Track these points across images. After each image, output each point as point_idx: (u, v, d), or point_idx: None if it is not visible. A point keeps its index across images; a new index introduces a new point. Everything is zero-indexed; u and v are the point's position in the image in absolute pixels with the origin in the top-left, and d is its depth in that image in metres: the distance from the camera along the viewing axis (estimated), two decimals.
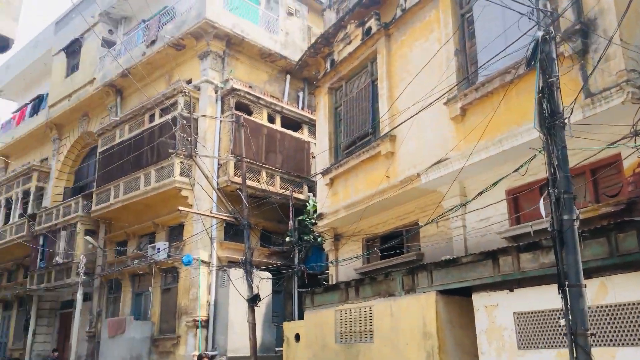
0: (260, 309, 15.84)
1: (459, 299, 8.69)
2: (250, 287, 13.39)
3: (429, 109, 9.24)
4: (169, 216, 17.73)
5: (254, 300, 13.28)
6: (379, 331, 9.51)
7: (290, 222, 14.71)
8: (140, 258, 18.31)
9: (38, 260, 22.10)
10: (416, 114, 9.28)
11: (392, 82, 10.89)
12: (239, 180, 16.48)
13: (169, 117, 17.10)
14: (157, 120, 18.21)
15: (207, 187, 15.93)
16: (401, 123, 9.78)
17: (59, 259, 20.77)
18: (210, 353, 15.82)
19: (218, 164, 17.29)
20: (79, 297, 20.15)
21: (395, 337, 9.13)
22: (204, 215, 14.89)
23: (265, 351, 16.15)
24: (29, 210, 24.09)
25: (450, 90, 9.20)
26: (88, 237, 20.10)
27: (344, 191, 11.99)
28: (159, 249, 17.45)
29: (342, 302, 10.54)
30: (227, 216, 14.57)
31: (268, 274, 16.38)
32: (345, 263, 12.12)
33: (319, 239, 17.10)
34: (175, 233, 17.88)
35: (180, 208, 14.53)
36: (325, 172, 12.46)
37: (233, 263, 16.55)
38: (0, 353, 24.62)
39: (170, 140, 16.20)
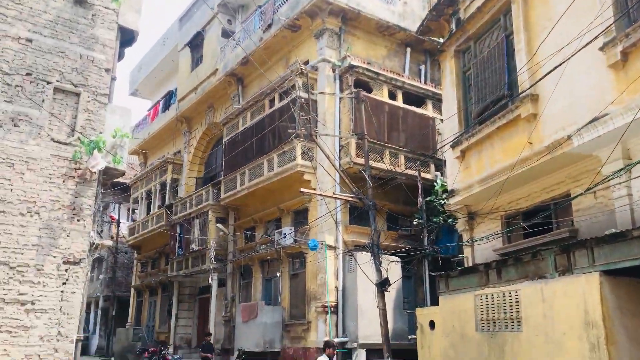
0: (390, 295, 15.07)
1: (630, 281, 7.22)
2: (379, 271, 12.63)
3: (580, 57, 7.78)
4: (293, 201, 17.53)
5: (383, 284, 12.52)
6: (528, 319, 8.27)
7: (420, 199, 13.68)
8: (268, 244, 18.35)
9: (176, 248, 23.21)
10: (562, 64, 7.85)
11: (530, 34, 9.44)
12: (361, 161, 15.78)
13: (288, 99, 16.84)
14: (277, 104, 18.07)
15: (329, 169, 15.42)
16: (543, 77, 8.39)
17: (194, 247, 21.60)
18: (340, 339, 15.39)
19: (339, 146, 16.72)
20: (214, 283, 20.81)
21: (550, 325, 7.85)
22: (326, 196, 14.38)
23: (398, 339, 15.36)
24: (166, 201, 25.40)
25: (606, 31, 7.65)
26: (219, 225, 20.62)
27: (478, 164, 10.74)
28: (284, 234, 17.31)
29: (482, 286, 9.40)
30: (351, 197, 13.91)
31: (396, 258, 15.56)
32: (484, 242, 10.88)
33: (450, 220, 15.91)
34: (300, 218, 17.65)
35: (302, 190, 14.13)
36: (455, 144, 11.29)
37: (359, 247, 15.93)
38: (149, 336, 26.37)
39: (290, 123, 15.84)
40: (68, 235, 12.12)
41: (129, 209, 32.59)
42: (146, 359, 22.85)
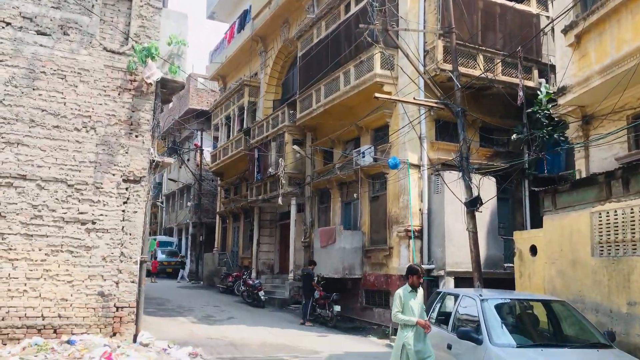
0: (483, 218, 13.29)
1: None
2: (469, 188, 10.84)
3: None
4: (372, 117, 15.81)
5: (474, 203, 10.75)
6: None
7: (523, 106, 11.52)
8: (346, 165, 16.92)
9: (255, 172, 22.45)
10: None
11: None
12: (449, 67, 13.67)
13: (364, 1, 14.79)
14: (353, 9, 16.08)
15: (412, 78, 13.49)
16: None
17: (271, 170, 20.67)
18: (425, 267, 13.92)
19: (424, 51, 14.58)
20: (292, 208, 19.89)
21: None
22: (405, 102, 12.52)
23: (491, 267, 13.67)
24: (244, 125, 24.53)
25: None
26: (295, 147, 19.43)
27: (599, 49, 8.45)
28: (363, 153, 15.76)
29: (602, 201, 7.44)
30: (435, 102, 11.97)
31: (490, 177, 13.63)
32: (603, 146, 8.73)
33: (558, 133, 13.60)
34: (381, 135, 15.95)
35: (377, 95, 12.34)
36: (568, 29, 8.98)
37: (447, 166, 14.09)
38: (234, 261, 26.40)
39: (367, 28, 13.85)
40: (127, 152, 11.33)
41: (214, 138, 32.30)
42: (230, 283, 22.83)
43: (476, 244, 11.07)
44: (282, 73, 24.13)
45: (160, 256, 34.11)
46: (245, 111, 24.93)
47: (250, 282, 19.78)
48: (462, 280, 13.51)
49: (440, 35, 14.14)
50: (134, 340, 10.87)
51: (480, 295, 7.47)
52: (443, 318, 8.46)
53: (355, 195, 16.27)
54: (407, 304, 7.09)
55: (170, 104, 38.57)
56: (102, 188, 11.01)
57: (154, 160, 11.70)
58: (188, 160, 34.14)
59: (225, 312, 17.19)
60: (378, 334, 14.30)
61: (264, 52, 24.68)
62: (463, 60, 14.16)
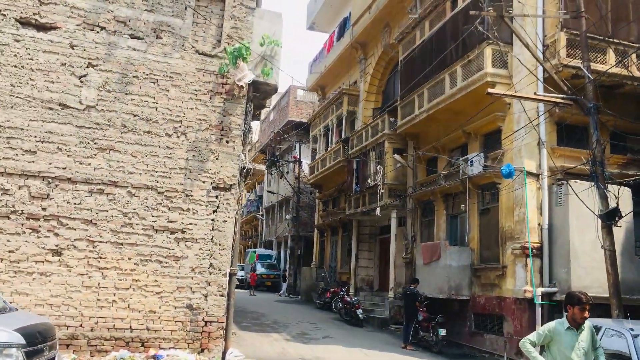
0: (617, 235, 11.31)
1: None
2: (604, 199, 9.09)
3: None
4: (481, 121, 14.30)
5: (611, 216, 9.02)
6: None
7: None
8: (452, 175, 15.46)
9: (353, 184, 21.51)
10: None
11: None
12: (574, 62, 11.97)
13: None
14: (460, 4, 14.73)
15: (531, 71, 11.89)
16: None
17: (370, 182, 19.61)
18: (546, 290, 12.16)
19: (543, 45, 12.90)
20: (393, 221, 18.69)
21: None
22: (527, 98, 10.95)
23: (627, 292, 11.60)
24: (343, 135, 23.72)
25: None
26: (396, 156, 18.24)
27: None
28: (471, 161, 14.25)
29: None
30: (561, 97, 10.29)
31: (625, 188, 11.66)
32: None
33: None
34: (491, 142, 14.36)
35: (489, 91, 10.91)
36: None
37: (571, 175, 12.27)
38: (332, 276, 25.53)
39: (479, 13, 12.40)
40: (217, 158, 10.80)
41: (312, 150, 31.89)
42: (328, 299, 21.94)
43: (614, 264, 9.30)
44: (382, 80, 23.09)
45: (260, 269, 34.07)
46: (344, 121, 24.13)
47: (348, 299, 18.74)
48: (592, 307, 11.55)
49: (562, 27, 12.44)
50: (223, 358, 10.20)
51: (632, 329, 5.90)
52: None
53: (462, 207, 14.76)
54: (560, 347, 5.17)
55: (271, 116, 38.92)
56: (192, 196, 10.54)
57: (244, 167, 11.09)
58: (287, 172, 33.99)
59: (320, 330, 16.26)
60: None
61: (363, 59, 23.80)
62: (590, 55, 12.31)
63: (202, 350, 10.15)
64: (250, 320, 17.55)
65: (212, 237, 10.54)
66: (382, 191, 17.66)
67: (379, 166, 18.41)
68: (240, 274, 35.42)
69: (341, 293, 19.89)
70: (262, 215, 40.51)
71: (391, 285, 18.56)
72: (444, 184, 15.56)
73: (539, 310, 12.07)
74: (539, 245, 12.45)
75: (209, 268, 10.42)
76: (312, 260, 28.52)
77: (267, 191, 38.46)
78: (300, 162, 30.69)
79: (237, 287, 35.61)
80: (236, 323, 16.51)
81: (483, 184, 14.29)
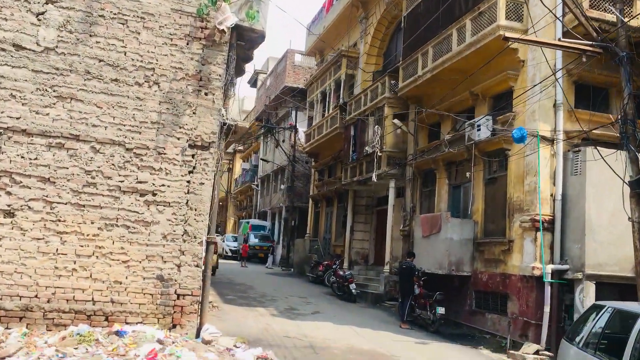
0: None
1: None
2: (635, 163, 7.88)
3: None
4: (491, 81, 13.05)
5: None
6: None
7: None
8: (456, 141, 14.24)
9: (350, 152, 20.29)
10: None
11: None
12: (597, 14, 10.68)
13: None
14: None
15: (545, 32, 10.58)
16: None
17: (367, 149, 18.39)
18: (557, 267, 11.08)
19: None
20: (391, 191, 17.54)
21: None
22: (548, 45, 9.62)
23: None
24: (341, 101, 22.40)
25: None
26: (396, 121, 16.99)
27: None
28: (478, 125, 13.02)
29: None
30: (588, 44, 8.95)
31: None
32: None
33: None
34: (501, 105, 13.09)
35: (506, 36, 9.60)
36: None
37: (589, 141, 11.07)
38: (326, 248, 24.49)
39: None
40: (194, 113, 9.57)
41: (309, 117, 30.56)
42: (320, 273, 20.93)
43: None
44: (384, 42, 21.66)
45: (253, 240, 33.09)
46: (342, 85, 22.77)
47: (341, 272, 17.68)
48: (607, 287, 10.54)
49: None
50: (197, 335, 9.15)
51: None
52: (606, 345, 5.80)
53: (467, 174, 13.55)
54: None
55: (268, 82, 37.46)
56: (164, 154, 9.33)
57: (225, 124, 9.86)
58: (283, 141, 32.72)
59: (310, 306, 15.24)
60: (491, 346, 11.64)
61: (364, 19, 22.32)
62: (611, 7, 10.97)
63: (174, 326, 9.08)
64: (236, 292, 16.53)
65: (187, 200, 9.37)
66: (379, 154, 16.43)
67: (376, 127, 17.14)
68: (234, 245, 34.49)
69: (334, 266, 18.85)
70: (256, 186, 39.36)
71: (387, 259, 17.51)
72: (448, 150, 14.35)
73: (547, 289, 10.99)
74: (550, 217, 11.31)
75: (183, 235, 9.28)
76: (307, 232, 27.47)
77: (261, 159, 37.22)
78: (296, 130, 29.38)
79: (229, 258, 34.92)
80: (221, 296, 15.50)
81: (490, 150, 13.08)
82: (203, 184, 9.49)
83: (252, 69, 40.12)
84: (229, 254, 35.36)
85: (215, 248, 21.10)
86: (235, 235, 37.58)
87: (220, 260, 35.28)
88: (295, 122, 29.94)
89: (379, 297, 16.90)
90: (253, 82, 43.19)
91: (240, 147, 48.01)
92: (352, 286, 16.85)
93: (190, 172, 9.46)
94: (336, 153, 23.15)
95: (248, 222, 35.41)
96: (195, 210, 9.40)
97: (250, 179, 41.21)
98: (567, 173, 11.36)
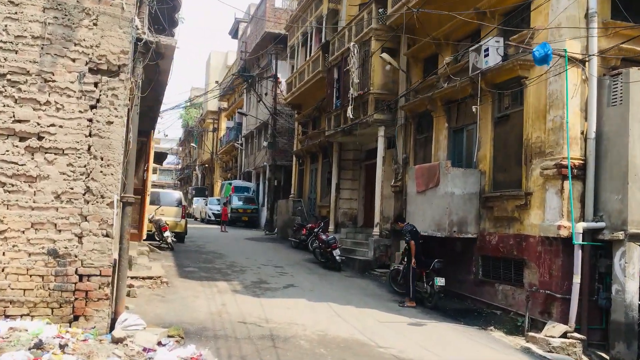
0: None
1: None
2: None
3: None
4: None
5: None
6: None
7: None
8: (458, 73, 11.56)
9: (334, 98, 17.58)
10: None
11: None
12: None
13: None
14: None
15: None
16: None
17: (352, 92, 15.66)
18: (588, 225, 8.60)
19: None
20: (380, 139, 14.94)
21: None
22: None
23: None
24: (323, 40, 19.53)
25: None
26: (384, 55, 14.26)
27: None
28: (486, 49, 10.32)
29: None
30: None
31: None
32: None
33: None
34: (514, 23, 10.34)
35: None
36: None
37: (632, 61, 8.42)
38: (311, 210, 22.02)
39: None
40: (95, 24, 6.86)
41: (291, 66, 27.66)
42: (304, 237, 18.48)
43: None
44: None
45: (236, 203, 30.66)
46: (324, 22, 19.86)
47: (324, 237, 15.21)
48: None
49: None
50: (111, 329, 6.70)
51: None
52: None
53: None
54: None
55: (248, 31, 34.28)
56: (53, 81, 6.68)
57: (142, 40, 7.15)
58: (266, 94, 29.87)
59: (285, 277, 12.82)
60: (505, 326, 9.27)
61: None
62: None
63: (76, 318, 6.59)
64: (200, 263, 14.10)
65: (90, 146, 6.76)
66: (365, 96, 13.74)
67: (361, 64, 14.39)
68: (217, 209, 32.09)
69: (316, 230, 16.40)
70: (240, 144, 36.61)
71: (377, 221, 15.05)
72: (447, 85, 11.69)
73: (578, 254, 8.52)
74: (581, 162, 8.76)
75: (84, 195, 6.70)
76: (291, 192, 24.95)
77: (238, 112, 34.46)
78: (276, 79, 26.49)
79: (212, 223, 32.49)
80: (179, 267, 13.07)
81: (501, 81, 10.40)
82: (111, 122, 6.85)
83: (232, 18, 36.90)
84: (212, 218, 33.02)
85: (183, 211, 18.82)
86: (219, 197, 35.10)
87: (202, 225, 33.21)
88: (276, 71, 27.02)
89: (368, 265, 14.49)
90: (234, 33, 39.92)
91: (225, 104, 45.09)
92: (336, 252, 14.43)
93: (92, 106, 6.82)
94: (320, 102, 20.40)
95: (230, 184, 32.86)
96: (102, 159, 6.80)
97: (234, 138, 38.45)
98: (603, 103, 8.73)
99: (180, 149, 72.27)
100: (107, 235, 6.79)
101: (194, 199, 42.74)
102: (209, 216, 33.63)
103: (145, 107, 11.08)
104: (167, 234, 15.87)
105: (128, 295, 8.88)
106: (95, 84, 6.84)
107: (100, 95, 6.85)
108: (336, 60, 17.29)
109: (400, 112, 14.29)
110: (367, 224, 17.94)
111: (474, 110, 10.71)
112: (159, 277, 10.99)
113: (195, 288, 10.77)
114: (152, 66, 8.06)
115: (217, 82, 38.54)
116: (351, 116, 15.48)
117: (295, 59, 23.54)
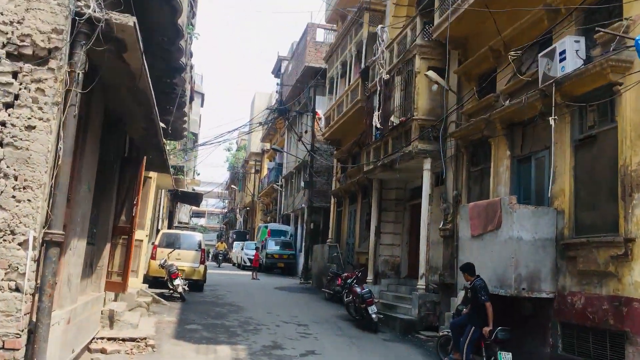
0: None
1: None
2: None
3: None
4: None
5: None
6: None
7: None
8: (522, 87, 9.17)
9: (373, 129, 15.37)
10: None
11: None
12: None
13: None
14: None
15: None
16: None
17: (393, 120, 13.45)
18: None
19: None
20: (425, 173, 12.56)
21: None
22: None
23: None
24: (362, 66, 17.54)
25: None
26: (430, 73, 12.05)
27: None
28: (562, 52, 7.93)
29: None
30: None
31: None
32: None
33: None
34: (601, 16, 7.94)
35: None
36: None
37: None
38: (349, 256, 19.56)
39: None
40: None
41: (330, 99, 25.78)
42: (339, 288, 15.97)
43: None
44: None
45: (272, 247, 28.52)
46: (364, 48, 17.91)
47: (358, 289, 12.69)
48: None
49: None
50: None
51: None
52: None
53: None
54: None
55: (289, 68, 32.90)
56: None
57: (82, 16, 5.18)
58: (306, 132, 28.03)
59: (306, 340, 10.37)
60: None
61: None
62: None
63: None
64: (209, 318, 11.86)
65: (1, 159, 4.77)
66: (397, 120, 11.46)
67: (408, 103, 12.17)
68: (252, 254, 29.96)
69: (349, 280, 13.94)
70: (280, 186, 34.74)
71: (422, 271, 12.48)
72: (507, 104, 9.29)
73: None
74: None
75: None
76: (329, 236, 22.59)
77: (272, 148, 32.74)
78: (314, 113, 24.61)
79: (247, 268, 30.25)
80: (179, 324, 10.86)
81: (584, 92, 7.92)
82: (33, 127, 4.87)
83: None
84: (247, 263, 30.92)
85: (203, 255, 16.75)
86: (255, 242, 33.09)
87: (235, 272, 31.09)
88: (314, 105, 25.20)
89: (411, 325, 11.86)
90: (277, 72, 38.74)
91: (267, 146, 43.69)
92: (372, 309, 11.90)
93: (7, 105, 4.87)
94: (359, 136, 18.24)
95: (267, 227, 30.84)
96: (15, 178, 4.79)
97: (274, 179, 36.68)
98: None
99: (227, 192, 71.45)
100: (16, 289, 4.69)
101: (234, 243, 40.96)
102: (244, 261, 31.60)
103: (141, 130, 9.23)
104: (177, 282, 13.80)
105: None
106: (14, 74, 4.91)
107: (20, 89, 4.90)
108: (375, 86, 15.18)
109: (449, 141, 11.92)
110: (411, 274, 15.34)
111: (550, 127, 8.18)
112: (144, 338, 8.81)
113: (186, 355, 8.50)
114: (121, 66, 6.11)
115: (260, 123, 37.18)
116: (391, 147, 13.21)
117: (334, 91, 21.65)
